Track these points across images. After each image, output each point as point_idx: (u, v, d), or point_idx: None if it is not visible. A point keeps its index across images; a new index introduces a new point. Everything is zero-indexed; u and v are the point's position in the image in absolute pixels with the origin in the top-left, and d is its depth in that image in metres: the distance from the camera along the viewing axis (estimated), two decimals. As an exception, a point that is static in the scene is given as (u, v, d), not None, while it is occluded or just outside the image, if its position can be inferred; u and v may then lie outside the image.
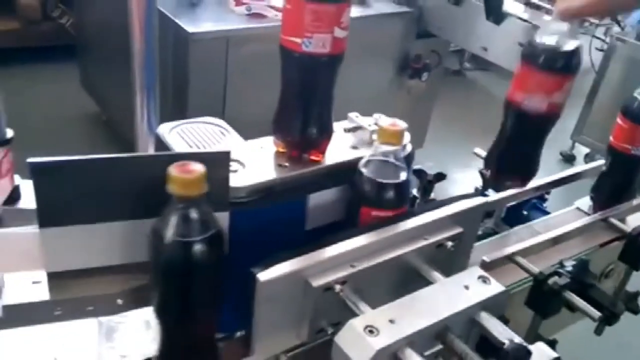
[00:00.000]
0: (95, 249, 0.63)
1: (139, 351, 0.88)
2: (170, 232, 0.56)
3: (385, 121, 0.71)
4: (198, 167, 0.55)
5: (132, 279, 0.68)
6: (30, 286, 0.68)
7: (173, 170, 0.55)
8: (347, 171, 0.73)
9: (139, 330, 0.94)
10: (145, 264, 0.68)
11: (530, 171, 0.90)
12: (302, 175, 0.71)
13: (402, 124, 0.70)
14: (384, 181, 0.69)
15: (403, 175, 0.70)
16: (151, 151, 1.07)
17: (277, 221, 0.69)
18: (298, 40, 0.66)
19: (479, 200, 0.75)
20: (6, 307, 0.64)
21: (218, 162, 0.63)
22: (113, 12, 2.63)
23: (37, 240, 0.62)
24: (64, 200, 0.59)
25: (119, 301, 0.68)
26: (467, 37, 2.35)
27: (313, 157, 0.73)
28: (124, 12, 2.55)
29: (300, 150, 0.70)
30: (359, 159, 0.73)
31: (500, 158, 0.90)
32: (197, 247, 0.56)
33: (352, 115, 0.81)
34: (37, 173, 0.57)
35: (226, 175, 0.64)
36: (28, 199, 0.81)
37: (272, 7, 2.14)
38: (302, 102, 0.71)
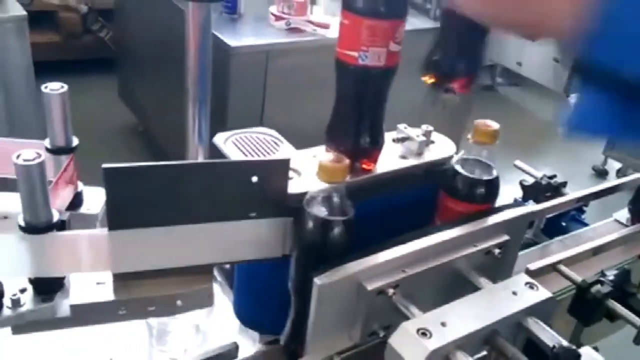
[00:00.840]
0: (161, 252, 0.67)
1: (189, 354, 0.92)
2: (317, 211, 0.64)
3: (479, 122, 0.78)
4: (344, 159, 0.65)
5: (192, 281, 0.71)
6: (94, 287, 0.72)
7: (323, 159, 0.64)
8: (397, 180, 0.76)
9: (189, 334, 0.98)
10: (205, 266, 0.72)
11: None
12: (355, 183, 0.74)
13: (494, 125, 0.76)
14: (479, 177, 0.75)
15: (494, 173, 0.76)
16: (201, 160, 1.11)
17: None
18: (354, 53, 0.70)
19: (525, 209, 0.77)
20: (74, 307, 0.68)
21: (278, 170, 0.66)
22: (150, 26, 2.73)
23: (105, 243, 0.66)
24: (133, 204, 0.63)
25: (179, 302, 0.71)
26: (502, 53, 2.38)
27: (365, 166, 0.76)
28: (161, 27, 2.63)
29: (353, 159, 0.73)
30: (409, 167, 0.76)
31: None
32: (338, 227, 0.65)
33: (401, 126, 0.84)
34: (110, 178, 0.61)
35: (285, 183, 0.67)
36: (89, 205, 0.85)
37: (310, 22, 2.19)
38: (357, 112, 0.75)
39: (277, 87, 2.16)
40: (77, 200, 0.81)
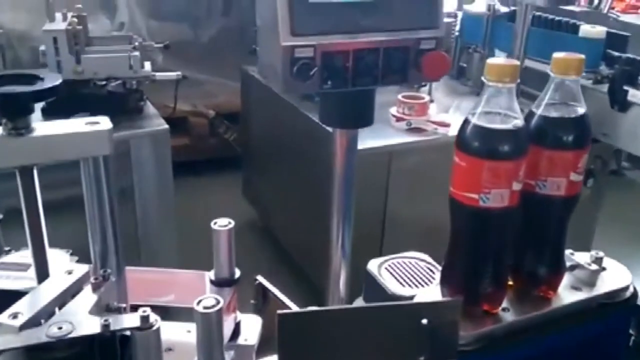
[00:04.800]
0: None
1: None
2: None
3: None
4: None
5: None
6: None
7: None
8: (569, 316, 0.71)
9: None
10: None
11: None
12: (523, 321, 0.69)
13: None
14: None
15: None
16: (343, 275, 1.10)
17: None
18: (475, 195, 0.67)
19: None
20: None
21: (449, 311, 0.64)
22: (273, 129, 2.87)
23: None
24: (306, 349, 0.62)
25: None
26: (634, 141, 2.28)
27: (543, 294, 0.71)
28: (282, 129, 2.74)
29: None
30: (583, 301, 0.70)
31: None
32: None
33: (567, 252, 0.79)
34: (284, 324, 0.61)
35: (456, 325, 0.64)
36: (246, 334, 0.86)
37: (431, 122, 2.20)
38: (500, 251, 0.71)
39: (399, 187, 2.16)
40: (236, 330, 0.82)
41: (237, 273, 0.82)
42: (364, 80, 0.90)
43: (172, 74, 2.28)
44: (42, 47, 2.05)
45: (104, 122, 0.64)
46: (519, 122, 0.66)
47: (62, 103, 2.20)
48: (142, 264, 2.21)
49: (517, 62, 0.68)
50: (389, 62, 0.90)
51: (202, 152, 3.70)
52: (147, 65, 2.26)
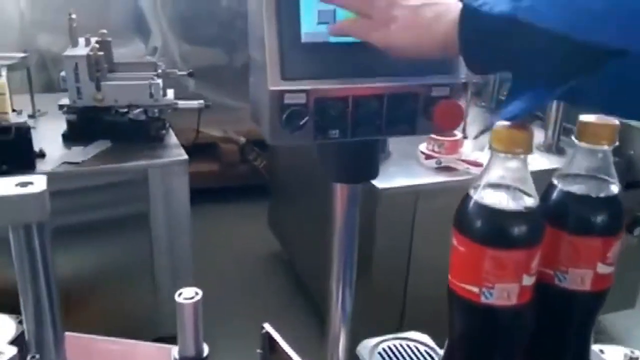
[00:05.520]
0: None
1: None
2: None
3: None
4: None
5: None
6: None
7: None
8: None
9: None
10: None
11: None
12: None
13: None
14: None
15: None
16: (343, 340, 0.98)
17: None
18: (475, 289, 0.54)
19: None
20: None
21: None
22: (301, 159, 2.77)
23: None
24: None
25: None
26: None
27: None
28: (310, 161, 2.65)
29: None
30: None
31: None
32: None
33: (596, 348, 0.65)
34: None
35: None
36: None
37: (463, 161, 2.07)
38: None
39: (426, 229, 2.03)
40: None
41: (206, 350, 0.71)
42: (364, 131, 0.79)
43: (195, 103, 2.22)
44: (63, 73, 2.03)
45: (39, 183, 0.55)
46: (533, 201, 0.54)
47: (82, 129, 2.18)
48: (157, 293, 2.17)
49: (528, 131, 0.55)
50: (395, 111, 0.79)
51: (231, 178, 3.64)
52: (170, 93, 2.21)
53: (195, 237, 2.29)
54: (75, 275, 2.03)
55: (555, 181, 0.58)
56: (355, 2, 0.73)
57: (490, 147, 0.54)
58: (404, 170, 2.10)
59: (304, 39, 0.75)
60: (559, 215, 0.56)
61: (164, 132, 2.25)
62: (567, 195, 0.56)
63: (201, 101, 2.22)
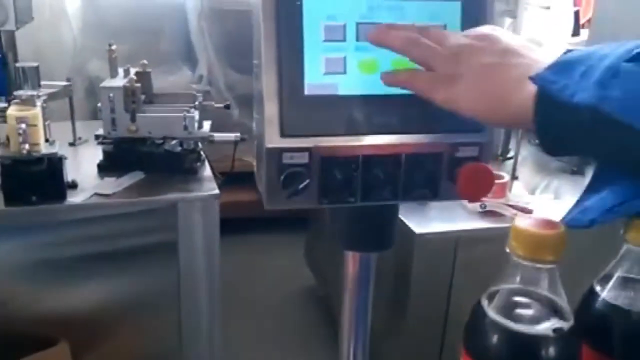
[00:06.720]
0: None
1: None
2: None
3: None
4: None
5: None
6: None
7: None
8: None
9: None
10: None
11: None
12: None
13: None
14: None
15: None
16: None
17: None
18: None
19: None
20: None
21: None
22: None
23: None
24: None
25: None
26: None
27: None
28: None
29: None
30: None
31: None
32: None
33: None
34: None
35: None
36: None
37: (510, 205, 1.93)
38: None
39: (466, 279, 1.89)
40: None
41: None
42: (377, 195, 0.69)
43: (231, 135, 2.17)
44: (99, 104, 2.01)
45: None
46: (565, 323, 0.40)
47: (117, 160, 2.16)
48: (181, 319, 2.10)
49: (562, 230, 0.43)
50: (414, 173, 0.68)
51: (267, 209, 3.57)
52: (207, 125, 2.17)
53: (229, 268, 2.23)
54: (100, 308, 1.99)
55: (597, 287, 0.45)
56: (416, 48, 0.63)
57: (508, 248, 0.43)
58: (445, 213, 1.97)
59: (307, 91, 0.66)
60: (599, 330, 0.43)
61: (198, 164, 2.21)
62: (613, 308, 0.43)
63: (237, 134, 2.17)
